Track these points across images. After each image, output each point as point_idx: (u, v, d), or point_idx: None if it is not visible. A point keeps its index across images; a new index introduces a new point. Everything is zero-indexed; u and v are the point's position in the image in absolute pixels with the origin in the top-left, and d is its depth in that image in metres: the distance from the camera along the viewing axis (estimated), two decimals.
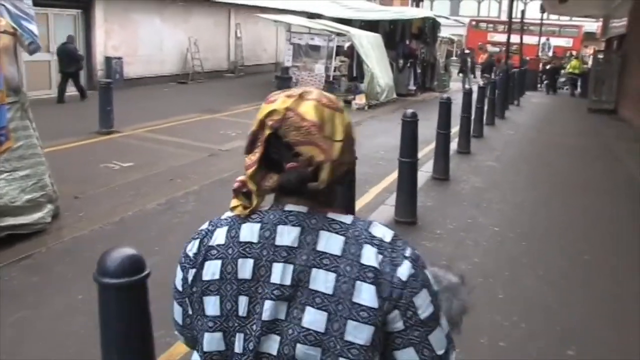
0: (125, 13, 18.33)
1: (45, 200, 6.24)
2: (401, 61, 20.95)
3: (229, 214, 1.29)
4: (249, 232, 1.21)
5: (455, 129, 10.96)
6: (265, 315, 1.15)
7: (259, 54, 26.06)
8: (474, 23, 45.11)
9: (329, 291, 1.12)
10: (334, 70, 18.60)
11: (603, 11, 24.27)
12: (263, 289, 1.16)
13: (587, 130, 14.96)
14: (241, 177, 1.28)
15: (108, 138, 11.19)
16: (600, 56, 20.84)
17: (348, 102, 17.52)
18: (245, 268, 1.18)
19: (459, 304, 1.38)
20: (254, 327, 1.16)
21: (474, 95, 12.47)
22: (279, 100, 1.22)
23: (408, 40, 21.33)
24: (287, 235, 1.17)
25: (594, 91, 19.41)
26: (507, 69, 17.71)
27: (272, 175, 1.21)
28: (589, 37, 40.63)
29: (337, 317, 1.11)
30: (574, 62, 26.50)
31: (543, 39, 36.99)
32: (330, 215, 1.20)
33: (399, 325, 1.14)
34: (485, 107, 13.44)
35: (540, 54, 34.34)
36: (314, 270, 1.14)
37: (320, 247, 1.15)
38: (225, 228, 1.24)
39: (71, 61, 15.07)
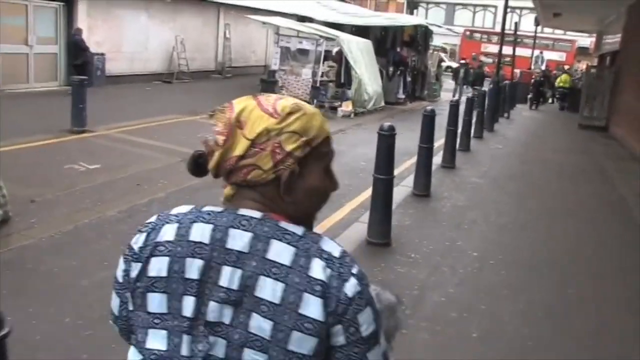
0: (110, 8, 17.82)
1: None
2: (391, 69, 20.59)
3: (179, 209, 1.25)
4: (200, 232, 1.17)
5: (440, 141, 10.57)
6: (210, 317, 1.13)
7: (248, 55, 25.62)
8: (468, 33, 44.98)
9: (276, 300, 1.11)
10: (322, 76, 18.17)
11: (597, 27, 24.06)
12: (210, 290, 1.14)
13: (578, 147, 14.61)
14: None
15: (79, 137, 10.69)
16: (593, 71, 20.55)
17: (334, 109, 17.14)
18: (194, 268, 1.15)
19: (395, 322, 1.39)
20: (201, 328, 1.14)
21: (462, 107, 12.13)
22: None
23: (399, 48, 20.96)
24: (238, 240, 1.15)
25: (585, 107, 19.09)
26: (498, 81, 17.33)
27: None
28: (583, 52, 40.58)
29: (282, 326, 1.10)
30: (563, 77, 26.21)
31: (536, 52, 36.83)
32: (283, 224, 1.17)
33: (341, 339, 1.13)
34: (474, 120, 13.07)
35: (533, 66, 34.17)
36: (262, 278, 1.12)
37: (270, 255, 1.13)
38: (175, 225, 1.20)
39: (78, 53, 15.33)
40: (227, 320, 1.13)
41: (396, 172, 9.88)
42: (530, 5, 25.28)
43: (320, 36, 17.68)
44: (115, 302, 1.29)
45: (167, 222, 1.22)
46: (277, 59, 18.67)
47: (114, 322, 1.33)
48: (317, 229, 1.35)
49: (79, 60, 15.46)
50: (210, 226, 1.17)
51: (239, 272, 1.13)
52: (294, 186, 1.19)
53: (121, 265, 1.26)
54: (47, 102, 14.11)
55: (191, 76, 20.90)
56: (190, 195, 7.52)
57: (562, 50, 41.85)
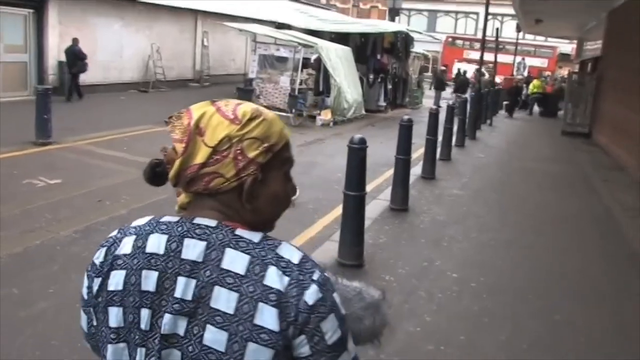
0: (83, 15, 17.33)
1: None
2: (372, 76, 20.24)
3: (138, 221, 1.23)
4: (156, 243, 1.15)
5: (421, 150, 10.19)
6: (164, 329, 1.11)
7: (227, 63, 25.18)
8: (450, 40, 44.89)
9: (230, 311, 1.08)
10: (301, 84, 17.77)
11: (577, 33, 23.93)
12: (166, 302, 1.11)
13: (561, 155, 14.30)
14: None
15: (42, 150, 10.21)
16: (575, 78, 20.33)
17: (313, 117, 16.74)
18: (149, 280, 1.13)
19: (381, 319, 1.37)
20: (156, 341, 1.11)
21: (442, 115, 11.77)
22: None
23: (379, 55, 20.61)
24: (192, 249, 1.12)
25: (568, 113, 18.85)
26: (480, 88, 17.02)
27: None
28: (564, 58, 40.59)
29: (237, 337, 1.07)
30: (535, 82, 26.08)
31: (518, 59, 36.74)
32: (239, 232, 1.14)
33: (305, 350, 1.10)
34: (455, 128, 12.71)
35: (515, 73, 34.05)
36: (217, 288, 1.09)
37: (225, 264, 1.10)
38: (133, 237, 1.19)
39: (76, 61, 15.86)
40: (181, 331, 1.10)
41: (374, 184, 9.60)
42: (512, 12, 25.14)
43: (299, 43, 17.30)
44: (83, 320, 1.27)
45: (126, 235, 1.21)
46: (254, 67, 18.28)
47: (87, 340, 1.29)
48: None
49: (74, 69, 15.94)
50: (166, 237, 1.15)
51: (193, 282, 1.10)
52: (256, 193, 1.16)
53: (85, 282, 1.24)
54: (14, 113, 13.55)
55: (168, 85, 20.45)
56: (154, 212, 7.02)
57: (543, 57, 41.86)
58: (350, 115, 17.72)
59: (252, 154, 1.15)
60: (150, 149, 10.27)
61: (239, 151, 1.14)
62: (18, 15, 15.84)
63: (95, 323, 1.21)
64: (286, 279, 1.09)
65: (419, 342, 4.16)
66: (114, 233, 1.24)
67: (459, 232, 6.95)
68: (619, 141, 13.58)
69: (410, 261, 5.80)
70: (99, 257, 1.22)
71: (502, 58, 33.52)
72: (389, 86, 20.97)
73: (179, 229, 1.15)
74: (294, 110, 16.26)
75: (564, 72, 35.20)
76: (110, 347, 1.17)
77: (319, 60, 17.49)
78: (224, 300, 1.08)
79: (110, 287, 1.17)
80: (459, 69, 28.51)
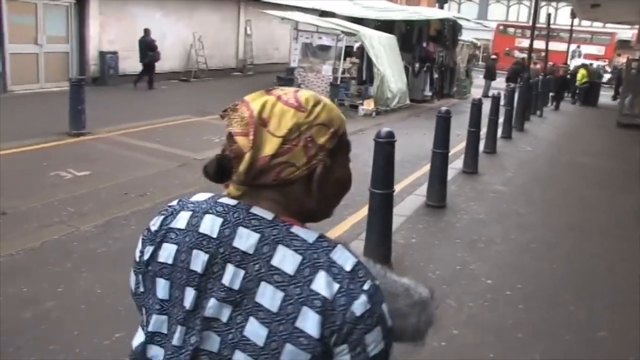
0: (123, 6, 17.29)
1: None
2: (417, 65, 19.62)
3: (198, 197, 1.22)
4: (210, 224, 1.14)
5: (464, 143, 9.67)
6: (209, 312, 1.10)
7: (271, 52, 24.92)
8: (501, 28, 43.67)
9: (274, 309, 1.06)
10: (343, 72, 17.35)
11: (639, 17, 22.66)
12: (213, 286, 1.11)
13: (616, 150, 13.50)
14: None
15: (75, 141, 10.11)
16: (634, 65, 19.25)
17: (355, 107, 16.31)
18: (198, 261, 1.13)
19: (427, 319, 1.33)
20: (197, 321, 1.11)
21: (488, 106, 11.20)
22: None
23: (425, 43, 19.96)
24: (245, 239, 1.11)
25: (625, 104, 17.85)
26: (529, 77, 16.25)
27: None
28: (624, 45, 38.81)
29: (276, 336, 1.05)
30: (583, 71, 24.94)
31: (573, 46, 35.35)
32: (295, 229, 1.11)
33: (346, 358, 1.06)
34: (502, 119, 12.11)
35: (570, 61, 32.76)
36: (263, 283, 1.07)
37: (275, 261, 1.08)
38: (189, 213, 1.18)
39: (146, 52, 16.51)
40: (224, 318, 1.10)
41: (412, 177, 9.14)
42: None
43: (341, 31, 16.86)
44: (132, 280, 1.27)
45: (184, 209, 1.20)
46: (296, 55, 17.93)
47: (133, 298, 1.29)
48: None
49: (146, 59, 16.56)
50: (221, 220, 1.14)
51: (241, 272, 1.10)
52: (325, 179, 1.15)
53: (139, 246, 1.25)
54: (54, 103, 13.59)
55: (210, 74, 20.32)
56: None
57: (600, 44, 40.21)
58: (394, 105, 17.20)
59: (321, 140, 1.14)
60: (183, 140, 10.02)
61: (309, 138, 1.13)
62: (60, 7, 15.89)
63: (142, 289, 1.22)
64: (336, 287, 1.06)
65: (442, 359, 3.75)
66: (174, 203, 1.24)
67: (497, 232, 6.46)
68: None
69: (442, 264, 5.36)
70: (155, 224, 1.22)
71: (556, 46, 32.34)
72: (435, 75, 20.29)
73: (235, 214, 1.14)
74: (335, 100, 15.86)
75: (623, 59, 33.65)
76: (154, 316, 1.18)
77: (361, 48, 17.04)
78: (268, 297, 1.07)
79: (161, 259, 1.18)
80: (488, 55, 27.44)
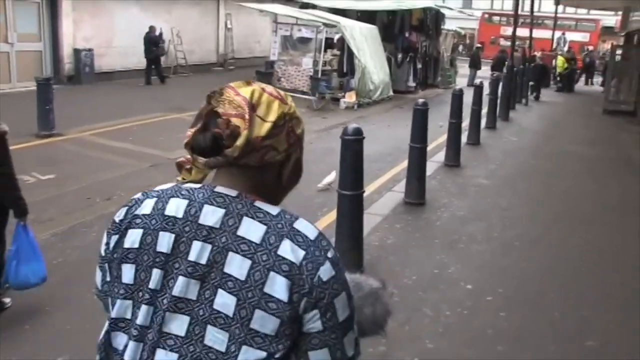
0: (98, 2, 16.80)
1: None
2: (400, 55, 19.25)
3: (162, 186, 1.28)
4: (175, 206, 1.20)
5: (445, 136, 9.35)
6: (176, 291, 1.14)
7: (252, 46, 24.47)
8: (486, 16, 43.32)
9: (242, 277, 1.11)
10: (324, 65, 16.97)
11: (623, 2, 22.40)
12: (180, 264, 1.15)
13: (602, 136, 13.21)
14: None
15: (42, 142, 9.72)
16: (619, 52, 18.98)
17: (337, 100, 15.95)
18: (164, 241, 1.18)
19: (382, 308, 1.40)
20: (165, 301, 1.15)
21: (468, 97, 10.88)
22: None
23: (408, 33, 19.58)
24: (211, 215, 1.17)
25: (610, 90, 17.59)
26: (512, 65, 15.93)
27: None
28: (608, 31, 38.60)
29: (245, 304, 1.10)
30: (561, 58, 24.69)
31: (558, 34, 35.08)
32: (258, 203, 1.19)
33: (317, 325, 1.13)
34: (485, 110, 11.81)
35: (554, 48, 32.50)
36: (231, 254, 1.13)
37: (241, 232, 1.14)
38: (154, 200, 1.24)
39: (150, 48, 16.87)
40: (192, 296, 1.13)
41: (392, 173, 8.78)
42: None
43: (321, 23, 16.47)
44: (98, 277, 1.30)
45: (149, 197, 1.25)
46: (275, 48, 17.58)
47: (98, 297, 1.32)
48: None
49: (151, 55, 16.93)
50: (186, 201, 1.19)
51: (208, 247, 1.14)
52: (294, 167, 1.27)
53: (104, 239, 1.28)
54: (27, 104, 13.10)
55: (190, 70, 19.88)
56: None
57: (585, 31, 39.89)
58: (377, 97, 16.87)
59: (298, 131, 1.26)
60: (156, 139, 9.54)
61: (290, 128, 1.23)
62: (31, 3, 15.39)
63: (108, 279, 1.25)
64: (301, 253, 1.12)
65: None
66: (137, 195, 1.29)
67: (479, 229, 6.14)
68: None
69: (419, 268, 5.03)
70: (119, 215, 1.26)
71: (541, 33, 32.04)
72: (419, 65, 19.93)
73: (200, 195, 1.19)
74: (316, 94, 15.51)
75: (607, 46, 33.44)
76: (118, 301, 1.20)
77: (342, 40, 16.66)
78: (236, 266, 1.11)
79: (126, 245, 1.21)
80: (471, 44, 27.07)
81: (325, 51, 17.08)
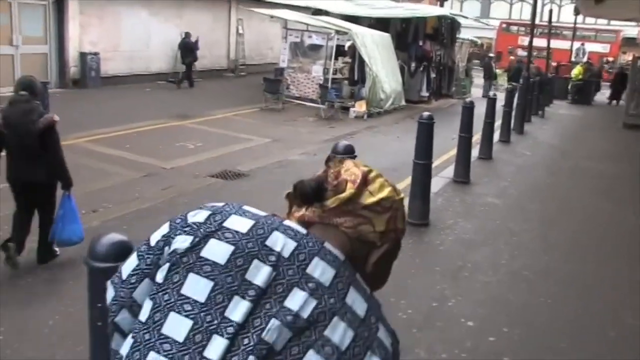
0: (105, 5, 16.52)
1: None
2: (413, 64, 18.77)
3: (249, 208, 1.17)
4: (281, 242, 1.08)
5: (455, 150, 8.87)
6: (267, 335, 0.99)
7: (264, 52, 24.11)
8: (504, 26, 42.76)
9: (342, 347, 1.01)
10: (335, 73, 16.56)
11: None
12: (272, 306, 1.02)
13: (622, 152, 12.62)
14: None
15: None
16: None
17: (346, 109, 15.52)
18: (259, 273, 1.04)
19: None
20: (245, 340, 1.00)
21: (482, 108, 10.41)
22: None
23: (422, 41, 19.12)
24: (321, 271, 1.06)
25: (631, 103, 16.96)
26: (529, 76, 15.40)
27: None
28: (629, 42, 37.85)
29: None
30: (577, 69, 24.11)
31: (577, 44, 34.46)
32: (358, 277, 1.12)
33: None
34: (498, 122, 11.30)
35: (574, 59, 31.89)
36: (336, 319, 1.03)
37: (348, 300, 1.05)
38: (250, 221, 1.11)
39: (187, 53, 17.52)
40: (278, 346, 1.00)
41: (403, 186, 8.31)
42: None
43: (332, 29, 16.07)
44: (131, 264, 1.15)
45: (236, 214, 1.13)
46: (285, 55, 17.24)
47: (114, 284, 1.17)
48: None
49: (187, 60, 17.52)
50: (295, 243, 1.09)
51: (314, 302, 1.04)
52: (383, 260, 1.19)
53: (163, 230, 1.15)
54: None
55: (200, 75, 19.52)
56: (129, 225, 6.12)
57: (605, 42, 39.16)
58: (388, 106, 16.41)
59: (400, 225, 1.20)
60: (155, 147, 9.07)
61: (394, 215, 1.18)
62: (37, 6, 15.13)
63: (159, 279, 1.07)
64: (389, 343, 1.08)
65: None
66: (219, 204, 1.18)
67: (486, 256, 5.64)
68: None
69: (416, 300, 4.55)
70: (196, 216, 1.13)
71: (559, 44, 31.44)
72: (433, 75, 19.46)
73: (310, 244, 1.10)
74: (326, 103, 15.09)
75: (628, 57, 32.70)
76: (172, 315, 1.03)
77: (353, 47, 16.24)
78: (339, 333, 1.02)
79: (204, 254, 1.07)
80: (485, 54, 26.49)
81: (336, 59, 16.70)
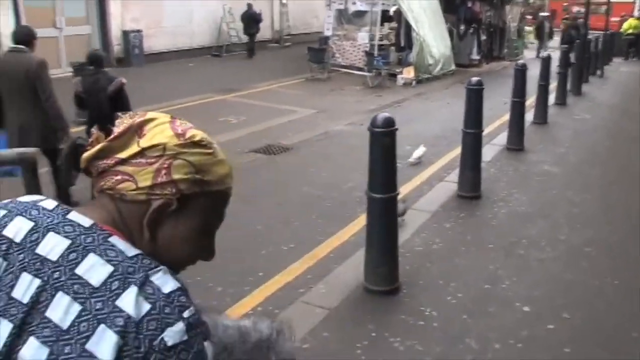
0: None
1: None
2: (462, 27, 18.10)
3: (24, 198, 1.08)
4: (18, 227, 1.00)
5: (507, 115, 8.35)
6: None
7: (310, 21, 23.67)
8: None
9: (64, 325, 0.90)
10: (381, 39, 16.08)
11: None
12: (5, 302, 0.94)
13: None
14: None
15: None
16: None
17: (394, 76, 15.05)
18: None
19: (280, 356, 1.19)
20: None
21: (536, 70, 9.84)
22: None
23: (470, 3, 18.36)
24: (51, 246, 0.97)
25: None
26: (586, 34, 14.53)
27: None
28: None
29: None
30: (631, 21, 22.70)
31: None
32: (113, 239, 0.98)
33: None
34: (554, 84, 10.66)
35: (637, 12, 30.18)
36: (60, 294, 0.92)
37: (80, 270, 0.94)
38: (4, 212, 1.04)
39: (251, 24, 18.22)
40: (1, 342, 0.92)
41: (445, 160, 7.81)
42: None
43: None
44: None
45: (4, 208, 1.06)
46: (329, 23, 16.85)
47: None
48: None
49: (251, 31, 18.25)
50: (31, 224, 1.01)
51: (36, 282, 0.94)
52: (162, 223, 1.02)
53: None
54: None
55: (244, 47, 19.30)
56: None
57: None
58: (437, 71, 15.90)
59: (177, 176, 1.01)
60: (196, 123, 8.95)
61: (166, 165, 1.00)
62: None
63: None
64: (146, 307, 0.91)
65: None
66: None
67: (543, 231, 5.21)
68: None
69: (466, 281, 4.21)
70: None
71: None
72: (483, 37, 18.72)
73: (49, 219, 1.01)
74: (373, 71, 14.66)
75: None
76: None
77: (399, 12, 15.70)
78: (62, 310, 0.91)
79: None
80: (537, 12, 25.05)
81: (381, 25, 16.23)
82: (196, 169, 1.01)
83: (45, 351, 0.89)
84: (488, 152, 7.36)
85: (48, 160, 4.94)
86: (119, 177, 1.00)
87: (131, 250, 0.97)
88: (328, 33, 16.87)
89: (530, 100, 9.34)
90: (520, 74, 7.76)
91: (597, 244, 4.96)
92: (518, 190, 6.31)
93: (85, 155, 1.03)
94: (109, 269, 0.93)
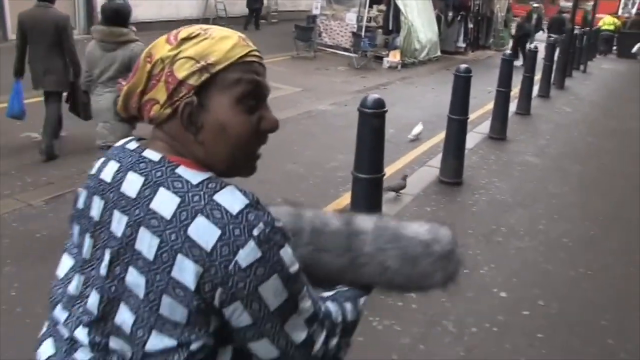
0: None
1: None
2: (450, 14, 18.11)
3: (121, 141, 1.16)
4: (110, 170, 1.10)
5: (491, 104, 8.42)
6: (103, 267, 1.03)
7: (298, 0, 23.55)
8: None
9: (150, 257, 0.98)
10: (369, 21, 16.03)
11: None
12: (105, 235, 1.05)
13: None
14: None
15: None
16: None
17: (380, 59, 15.05)
18: (95, 207, 1.09)
19: (454, 267, 1.24)
20: (93, 272, 1.06)
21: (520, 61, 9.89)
22: None
23: None
24: (131, 184, 1.04)
25: None
26: (572, 27, 14.63)
27: None
28: None
29: (153, 287, 0.97)
30: (608, 18, 22.96)
31: None
32: (181, 169, 1.03)
33: (245, 319, 0.98)
34: (538, 77, 10.75)
35: (621, 11, 30.43)
36: (142, 229, 0.99)
37: (154, 204, 1.00)
38: (103, 159, 1.14)
39: None
40: (103, 270, 1.03)
41: (428, 145, 7.88)
42: None
43: None
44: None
45: (106, 155, 1.15)
46: (318, 2, 16.67)
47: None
48: None
49: (254, 6, 18.41)
50: (118, 165, 1.09)
51: (125, 219, 1.02)
52: (198, 121, 1.05)
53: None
54: None
55: (231, 22, 19.10)
56: None
57: None
58: (423, 57, 15.97)
59: (181, 75, 1.04)
60: None
61: (169, 73, 1.04)
62: None
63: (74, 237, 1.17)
64: (215, 234, 0.95)
65: None
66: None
67: (522, 220, 5.31)
68: None
69: None
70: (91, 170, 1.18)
71: None
72: (470, 25, 18.75)
73: (129, 159, 1.08)
74: (360, 52, 14.64)
75: None
76: (65, 256, 1.17)
77: None
78: (146, 244, 0.98)
79: (78, 204, 1.15)
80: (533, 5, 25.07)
81: (370, 6, 16.17)
82: (196, 59, 1.04)
83: (142, 279, 0.98)
84: (471, 140, 7.42)
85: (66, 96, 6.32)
86: (147, 107, 1.07)
87: (197, 177, 1.01)
88: (316, 12, 16.75)
89: (514, 91, 9.42)
90: (507, 64, 7.82)
91: (574, 235, 5.06)
92: (499, 179, 6.39)
93: (119, 105, 1.12)
94: (177, 200, 0.98)
